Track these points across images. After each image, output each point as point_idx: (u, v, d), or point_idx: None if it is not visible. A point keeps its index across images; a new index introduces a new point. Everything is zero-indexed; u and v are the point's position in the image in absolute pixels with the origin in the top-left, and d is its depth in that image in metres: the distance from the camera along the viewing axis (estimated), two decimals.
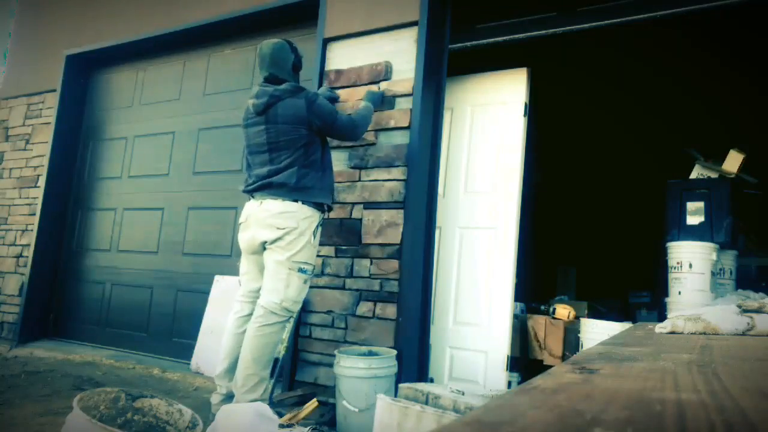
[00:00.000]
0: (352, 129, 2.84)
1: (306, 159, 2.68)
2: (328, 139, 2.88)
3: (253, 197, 2.74)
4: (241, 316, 2.75)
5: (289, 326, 2.71)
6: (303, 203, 2.65)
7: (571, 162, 6.06)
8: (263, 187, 2.69)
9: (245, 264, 2.83)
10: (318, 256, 3.23)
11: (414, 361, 3.00)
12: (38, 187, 4.86)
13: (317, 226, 2.72)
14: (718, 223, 3.70)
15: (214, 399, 2.71)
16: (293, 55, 2.80)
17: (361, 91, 3.32)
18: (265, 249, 2.67)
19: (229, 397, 2.66)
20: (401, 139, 3.12)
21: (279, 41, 2.80)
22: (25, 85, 5.27)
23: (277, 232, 2.61)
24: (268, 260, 2.66)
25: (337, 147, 3.33)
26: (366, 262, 3.11)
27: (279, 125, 2.65)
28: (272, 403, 2.69)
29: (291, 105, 2.65)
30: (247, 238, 2.73)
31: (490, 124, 3.41)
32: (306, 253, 2.65)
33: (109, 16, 4.82)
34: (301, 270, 2.63)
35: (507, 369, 3.12)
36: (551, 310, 3.71)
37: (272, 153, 2.69)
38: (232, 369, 2.67)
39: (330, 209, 2.87)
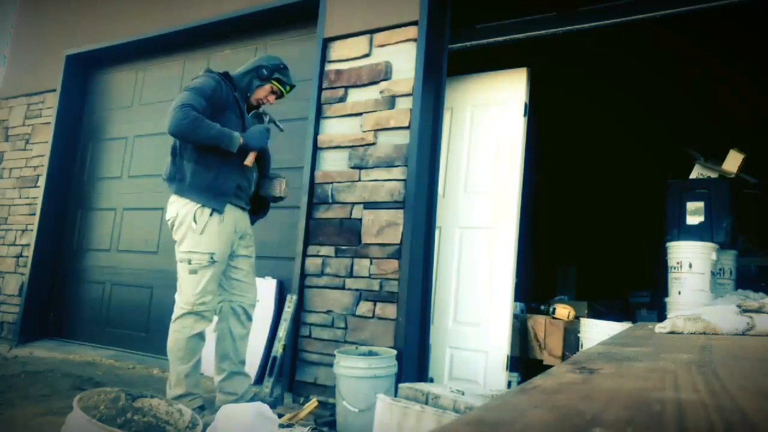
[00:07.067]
0: (170, 115, 2.55)
1: (181, 150, 2.60)
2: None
3: None
4: None
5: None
6: (175, 194, 2.58)
7: (571, 162, 6.06)
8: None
9: None
10: (318, 256, 3.24)
11: (414, 361, 3.00)
12: (38, 187, 4.86)
13: (196, 212, 2.51)
14: (718, 223, 3.70)
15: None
16: (263, 70, 2.77)
17: (361, 92, 3.32)
18: None
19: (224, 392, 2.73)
20: (401, 139, 3.12)
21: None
22: (25, 85, 5.27)
23: (169, 224, 2.62)
24: None
25: (337, 147, 3.34)
26: (366, 262, 3.11)
27: None
28: (272, 403, 2.69)
29: None
30: None
31: (490, 124, 3.41)
32: (189, 241, 2.53)
33: (109, 16, 4.82)
34: (184, 261, 2.57)
35: (507, 369, 3.12)
36: (551, 310, 3.71)
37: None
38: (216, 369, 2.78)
39: (219, 211, 2.54)
